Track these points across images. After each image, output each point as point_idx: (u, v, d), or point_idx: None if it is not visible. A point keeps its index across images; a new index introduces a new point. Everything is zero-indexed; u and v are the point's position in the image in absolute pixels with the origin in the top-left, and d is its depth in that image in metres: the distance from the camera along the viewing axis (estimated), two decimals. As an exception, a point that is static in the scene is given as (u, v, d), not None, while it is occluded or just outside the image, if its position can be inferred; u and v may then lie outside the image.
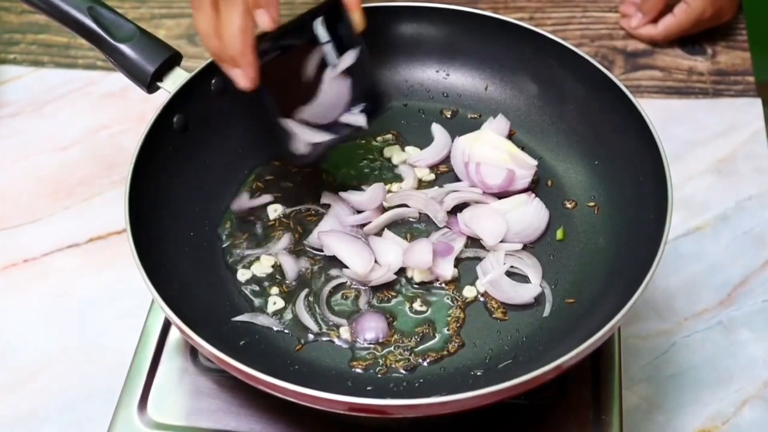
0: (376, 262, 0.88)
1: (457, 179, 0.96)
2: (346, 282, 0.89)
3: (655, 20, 1.25)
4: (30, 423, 0.93)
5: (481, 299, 0.87)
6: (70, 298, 1.02)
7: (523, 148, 0.98)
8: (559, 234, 0.92)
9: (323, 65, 0.87)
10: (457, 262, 0.90)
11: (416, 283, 0.88)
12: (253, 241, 0.92)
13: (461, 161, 0.95)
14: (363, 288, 0.88)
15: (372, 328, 0.85)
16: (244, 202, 0.95)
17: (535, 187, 0.95)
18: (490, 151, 0.93)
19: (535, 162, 0.94)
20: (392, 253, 0.89)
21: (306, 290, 0.88)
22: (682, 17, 1.22)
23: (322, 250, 0.90)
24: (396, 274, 0.88)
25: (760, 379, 0.93)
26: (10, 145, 1.18)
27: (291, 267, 0.90)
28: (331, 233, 0.89)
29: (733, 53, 1.25)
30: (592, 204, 0.94)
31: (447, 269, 0.88)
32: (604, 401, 0.84)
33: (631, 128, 0.90)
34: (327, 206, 0.94)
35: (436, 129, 1.00)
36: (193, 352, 0.89)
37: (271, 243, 0.92)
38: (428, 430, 0.83)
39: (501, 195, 0.93)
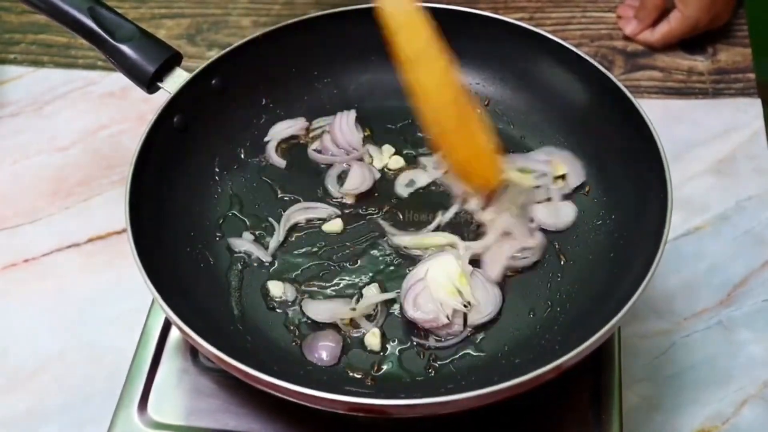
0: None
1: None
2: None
3: (651, 26, 1.25)
4: (30, 423, 0.93)
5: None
6: (70, 298, 1.02)
7: (521, 148, 0.98)
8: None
9: None
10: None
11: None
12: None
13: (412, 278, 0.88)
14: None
15: (324, 347, 0.84)
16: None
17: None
18: (442, 282, 0.85)
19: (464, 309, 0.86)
20: None
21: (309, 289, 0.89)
22: (677, 26, 1.22)
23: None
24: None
25: (759, 379, 0.93)
26: (10, 145, 1.18)
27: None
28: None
29: (734, 50, 1.25)
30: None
31: None
32: (603, 401, 0.85)
33: (631, 128, 0.90)
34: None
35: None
36: (193, 352, 0.89)
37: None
38: (428, 430, 0.83)
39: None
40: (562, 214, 0.92)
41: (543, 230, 0.92)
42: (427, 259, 0.88)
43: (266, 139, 1.00)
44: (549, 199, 0.94)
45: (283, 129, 1.01)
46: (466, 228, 0.92)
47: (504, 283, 0.88)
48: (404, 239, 0.91)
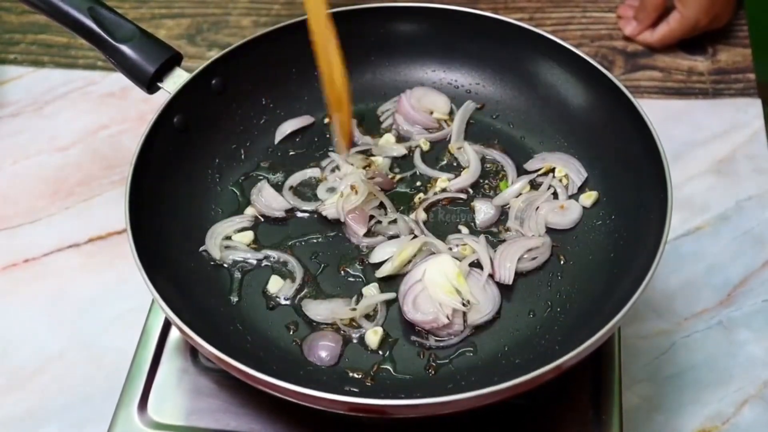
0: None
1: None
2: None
3: (651, 27, 1.25)
4: (30, 423, 0.93)
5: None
6: (70, 298, 1.02)
7: (521, 148, 0.98)
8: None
9: None
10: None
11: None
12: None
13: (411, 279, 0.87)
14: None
15: (324, 347, 0.84)
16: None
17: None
18: (440, 282, 0.85)
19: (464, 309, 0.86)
20: None
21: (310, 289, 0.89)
22: (676, 26, 1.22)
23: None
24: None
25: (759, 379, 0.93)
26: (10, 145, 1.19)
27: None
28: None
29: (734, 50, 1.25)
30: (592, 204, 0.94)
31: None
32: (604, 401, 0.85)
33: (630, 128, 0.90)
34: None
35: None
36: (193, 352, 0.89)
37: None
38: (428, 430, 0.83)
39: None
40: (569, 213, 0.93)
41: (548, 230, 0.92)
42: (423, 260, 0.88)
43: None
44: (556, 199, 0.94)
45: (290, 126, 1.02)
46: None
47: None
48: (385, 269, 0.89)
